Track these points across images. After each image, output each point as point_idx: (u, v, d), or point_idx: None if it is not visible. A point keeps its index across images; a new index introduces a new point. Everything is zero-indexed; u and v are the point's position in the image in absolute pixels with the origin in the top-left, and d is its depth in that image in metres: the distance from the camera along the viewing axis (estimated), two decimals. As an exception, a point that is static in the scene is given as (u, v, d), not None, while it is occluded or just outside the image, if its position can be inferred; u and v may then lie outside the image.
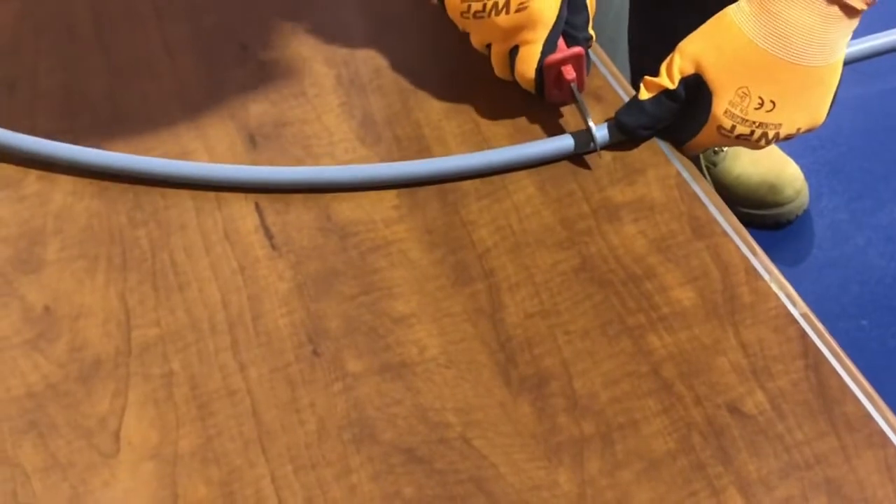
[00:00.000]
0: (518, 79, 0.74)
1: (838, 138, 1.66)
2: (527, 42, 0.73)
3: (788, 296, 0.67)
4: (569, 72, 0.73)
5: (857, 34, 0.74)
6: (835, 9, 0.67)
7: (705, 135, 0.72)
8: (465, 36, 0.76)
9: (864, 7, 0.67)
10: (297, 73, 0.81)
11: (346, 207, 0.72)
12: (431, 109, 0.78)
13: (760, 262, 0.68)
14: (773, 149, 1.56)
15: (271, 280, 0.69)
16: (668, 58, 0.72)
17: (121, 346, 0.66)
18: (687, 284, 0.67)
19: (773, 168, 1.54)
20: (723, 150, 1.54)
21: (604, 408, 0.62)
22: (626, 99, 0.75)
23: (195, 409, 0.63)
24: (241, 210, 0.73)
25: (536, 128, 0.76)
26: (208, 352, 0.66)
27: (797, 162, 1.55)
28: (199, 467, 0.61)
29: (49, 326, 0.68)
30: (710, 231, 0.70)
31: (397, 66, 0.81)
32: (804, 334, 0.65)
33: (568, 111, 0.76)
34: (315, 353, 0.65)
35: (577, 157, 0.74)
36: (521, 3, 0.71)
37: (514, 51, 0.74)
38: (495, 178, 0.73)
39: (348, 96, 0.79)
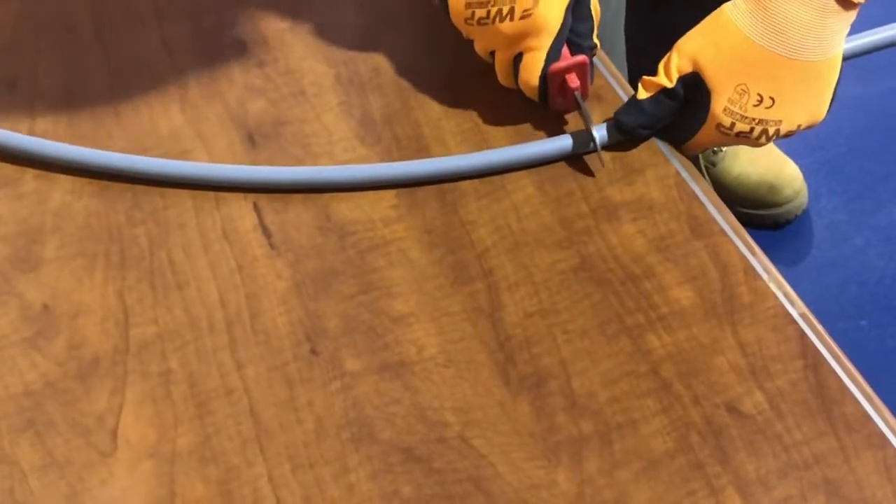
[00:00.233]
0: (522, 86, 0.74)
1: (837, 138, 1.66)
2: (531, 49, 0.72)
3: (787, 296, 0.66)
4: (573, 80, 0.73)
5: (855, 29, 0.74)
6: (831, 2, 0.67)
7: (705, 133, 0.72)
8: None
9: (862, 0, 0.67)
10: (296, 73, 0.81)
11: (345, 207, 0.72)
12: (431, 109, 0.78)
13: (759, 261, 0.68)
14: (773, 148, 1.56)
15: (269, 279, 0.69)
16: (666, 56, 0.71)
17: (119, 345, 0.66)
18: (686, 284, 0.67)
19: (772, 168, 1.54)
20: (721, 150, 1.54)
21: (602, 407, 0.62)
22: (626, 99, 0.75)
23: (193, 408, 0.63)
24: (240, 209, 0.73)
25: (536, 127, 0.76)
26: (206, 350, 0.66)
27: (796, 162, 1.55)
28: (197, 466, 0.61)
29: (47, 324, 0.68)
30: (709, 231, 0.70)
31: (397, 66, 0.81)
32: (803, 334, 0.65)
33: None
34: (313, 352, 0.65)
35: (577, 157, 0.74)
36: (526, 11, 0.71)
37: (517, 58, 0.73)
38: (494, 177, 0.73)
39: (347, 95, 0.79)
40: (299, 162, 0.75)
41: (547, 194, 0.72)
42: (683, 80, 0.70)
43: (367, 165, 0.74)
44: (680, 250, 0.69)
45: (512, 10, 0.71)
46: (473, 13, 0.71)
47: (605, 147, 0.73)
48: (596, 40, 0.75)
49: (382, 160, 0.75)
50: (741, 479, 0.59)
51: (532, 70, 0.73)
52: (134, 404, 0.64)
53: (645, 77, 0.72)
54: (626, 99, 0.75)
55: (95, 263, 0.70)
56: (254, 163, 0.75)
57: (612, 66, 0.79)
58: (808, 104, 0.70)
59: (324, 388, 0.64)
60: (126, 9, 0.88)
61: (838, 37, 0.69)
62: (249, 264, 0.70)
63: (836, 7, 0.67)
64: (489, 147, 0.75)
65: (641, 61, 0.74)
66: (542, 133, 0.75)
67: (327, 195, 0.73)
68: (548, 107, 0.75)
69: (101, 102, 0.80)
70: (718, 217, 0.70)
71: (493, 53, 0.75)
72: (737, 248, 0.69)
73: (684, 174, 0.73)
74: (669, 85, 0.71)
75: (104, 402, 0.64)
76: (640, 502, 0.59)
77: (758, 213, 1.54)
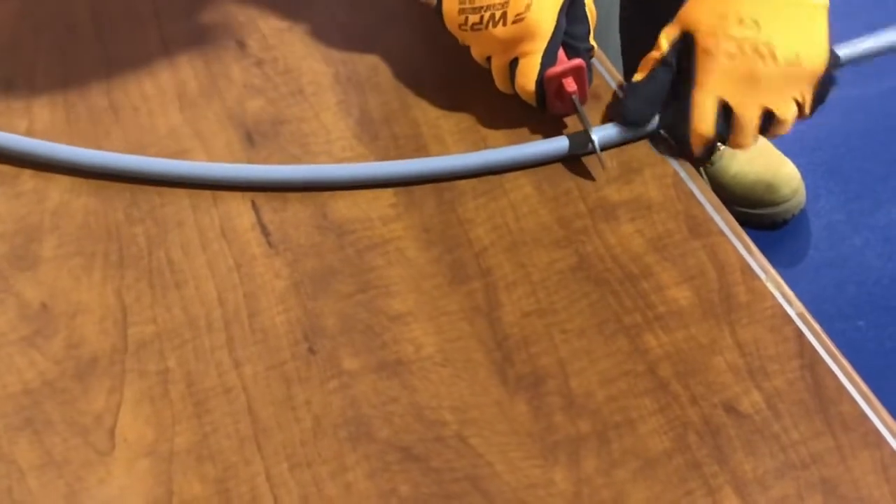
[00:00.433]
0: (519, 92, 0.74)
1: (835, 139, 1.66)
2: (525, 54, 0.72)
3: (785, 295, 0.67)
4: (570, 84, 0.73)
5: (856, 33, 0.74)
6: None
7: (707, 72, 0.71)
8: (463, 35, 0.76)
9: None
10: (294, 71, 0.81)
11: (343, 205, 0.72)
12: (429, 108, 0.78)
13: (757, 261, 0.68)
14: (770, 148, 1.56)
15: (268, 278, 0.69)
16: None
17: (117, 344, 0.66)
18: (683, 283, 0.67)
19: (769, 167, 1.54)
20: (719, 149, 1.54)
21: (600, 407, 0.62)
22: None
23: (191, 407, 0.63)
24: (238, 208, 0.73)
25: (534, 127, 0.76)
26: (204, 349, 0.66)
27: (794, 161, 1.55)
28: (195, 465, 0.61)
29: (45, 323, 0.68)
30: (707, 230, 0.70)
31: (395, 65, 0.81)
32: (800, 334, 0.65)
33: (566, 111, 0.77)
34: (311, 350, 0.65)
35: (575, 157, 0.74)
36: (518, 15, 0.71)
37: (514, 63, 0.73)
38: (492, 176, 0.73)
39: (346, 94, 0.79)
40: (297, 161, 0.75)
41: (545, 193, 0.72)
42: (675, 47, 0.71)
43: (365, 164, 0.74)
44: (678, 250, 0.69)
45: (504, 15, 0.71)
46: (467, 18, 0.71)
47: (605, 148, 0.73)
48: (593, 42, 0.75)
49: (380, 159, 0.75)
50: (738, 478, 0.59)
51: (528, 75, 0.73)
52: (132, 403, 0.64)
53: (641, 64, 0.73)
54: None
55: (94, 262, 0.70)
56: (252, 161, 0.75)
57: (610, 65, 0.79)
58: (800, 29, 0.70)
59: (321, 386, 0.64)
60: (125, 8, 0.88)
61: None
62: (248, 263, 0.70)
63: None
64: (487, 146, 0.75)
65: (637, 56, 0.74)
66: (540, 133, 0.75)
67: (325, 194, 0.73)
68: (546, 111, 0.75)
69: (100, 101, 0.80)
70: (716, 217, 0.70)
71: (489, 59, 0.75)
72: (735, 247, 0.69)
73: (682, 174, 0.73)
74: (660, 55, 0.72)
75: (102, 400, 0.64)
76: (638, 502, 0.59)
77: (755, 212, 1.54)
